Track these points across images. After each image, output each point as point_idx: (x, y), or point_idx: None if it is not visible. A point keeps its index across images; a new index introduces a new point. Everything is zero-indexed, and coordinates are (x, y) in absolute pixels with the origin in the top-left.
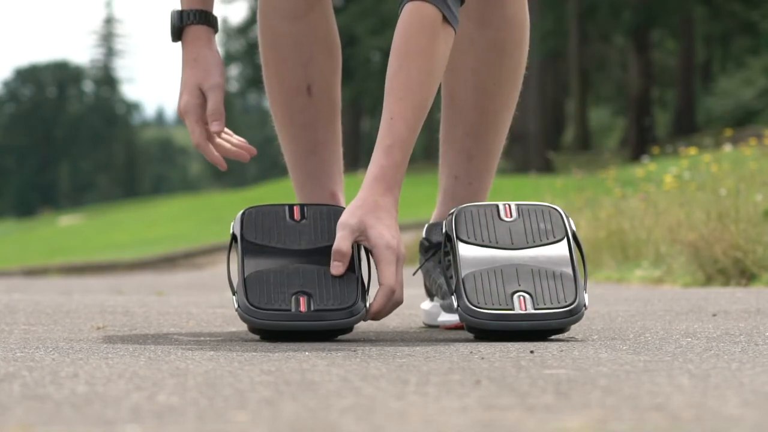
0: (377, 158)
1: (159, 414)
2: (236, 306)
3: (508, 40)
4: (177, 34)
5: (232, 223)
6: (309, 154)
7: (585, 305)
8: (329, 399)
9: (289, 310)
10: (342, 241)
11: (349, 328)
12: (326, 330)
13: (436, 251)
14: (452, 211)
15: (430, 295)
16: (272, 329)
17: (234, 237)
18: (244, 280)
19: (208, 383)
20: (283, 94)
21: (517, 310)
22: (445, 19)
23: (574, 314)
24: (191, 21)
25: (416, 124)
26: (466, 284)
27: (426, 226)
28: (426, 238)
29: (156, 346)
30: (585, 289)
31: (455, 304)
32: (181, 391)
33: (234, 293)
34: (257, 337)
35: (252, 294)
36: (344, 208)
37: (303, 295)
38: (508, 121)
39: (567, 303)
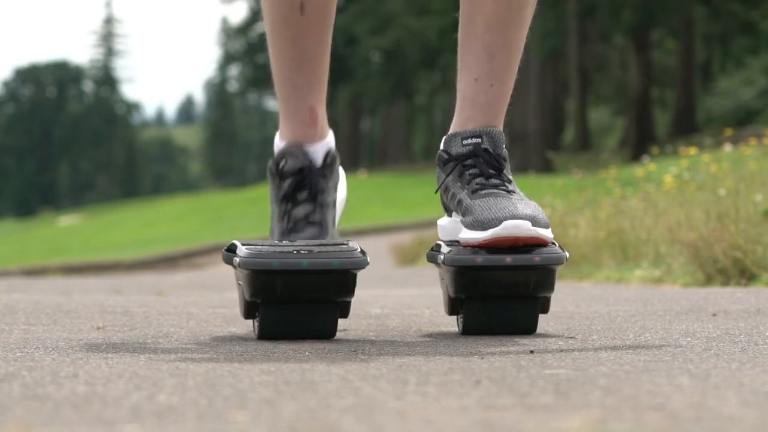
0: None
1: (159, 414)
2: (237, 264)
3: None
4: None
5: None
6: (295, 69)
7: (566, 257)
8: (329, 399)
9: (293, 252)
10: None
11: (350, 276)
12: (329, 277)
13: (457, 164)
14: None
15: (448, 211)
16: (278, 269)
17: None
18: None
19: (208, 383)
20: (275, 9)
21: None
22: None
23: (560, 252)
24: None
25: None
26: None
27: (444, 138)
28: (445, 150)
29: (156, 346)
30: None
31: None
32: (180, 391)
33: (237, 267)
34: (257, 337)
35: (251, 248)
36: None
37: (303, 251)
38: (531, 15)
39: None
